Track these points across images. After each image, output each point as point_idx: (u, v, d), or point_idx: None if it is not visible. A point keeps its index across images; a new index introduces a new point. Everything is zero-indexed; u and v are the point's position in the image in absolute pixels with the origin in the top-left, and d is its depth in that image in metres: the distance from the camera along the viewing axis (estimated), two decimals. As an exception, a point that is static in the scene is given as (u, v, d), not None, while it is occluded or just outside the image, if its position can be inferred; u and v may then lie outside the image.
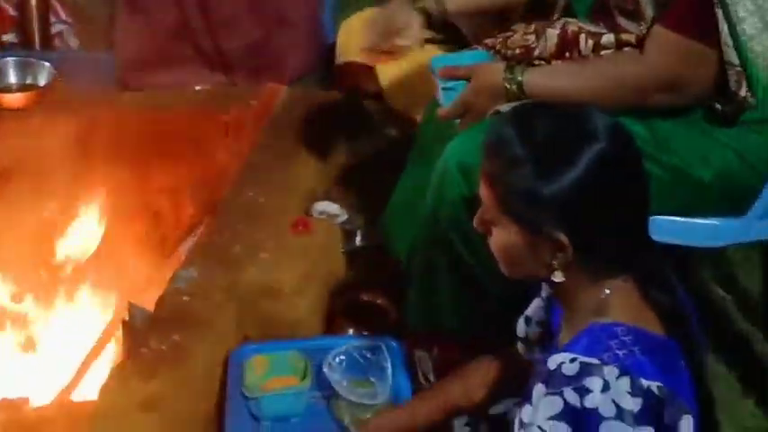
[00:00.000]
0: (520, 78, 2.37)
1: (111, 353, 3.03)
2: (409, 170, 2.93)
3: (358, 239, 3.13)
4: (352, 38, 3.70)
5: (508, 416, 2.26)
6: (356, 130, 3.61)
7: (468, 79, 2.46)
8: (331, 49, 3.93)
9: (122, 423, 2.35)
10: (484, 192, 1.88)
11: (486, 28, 3.22)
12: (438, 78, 2.47)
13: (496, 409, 2.30)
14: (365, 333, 2.76)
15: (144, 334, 2.59)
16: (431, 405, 2.30)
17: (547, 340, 2.07)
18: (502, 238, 1.87)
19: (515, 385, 2.04)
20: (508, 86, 2.38)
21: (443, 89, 2.47)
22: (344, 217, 3.17)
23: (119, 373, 2.49)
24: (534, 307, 2.12)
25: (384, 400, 2.49)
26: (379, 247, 3.03)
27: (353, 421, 2.46)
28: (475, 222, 1.95)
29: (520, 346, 2.12)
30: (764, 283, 3.00)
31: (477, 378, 2.24)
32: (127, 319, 2.78)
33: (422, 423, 2.30)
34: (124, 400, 2.39)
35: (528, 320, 2.13)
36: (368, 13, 3.65)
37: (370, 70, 3.67)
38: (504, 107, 2.29)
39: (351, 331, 2.79)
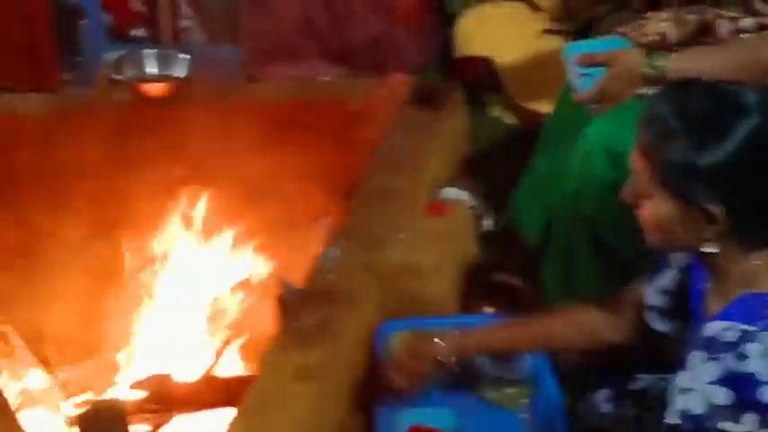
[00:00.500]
0: (661, 64, 2.37)
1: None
2: (539, 156, 2.97)
3: (486, 223, 3.16)
4: (475, 31, 3.77)
5: (649, 392, 2.31)
6: (476, 120, 3.64)
7: (605, 65, 2.46)
8: (449, 42, 3.96)
9: (282, 391, 2.37)
10: (638, 164, 1.90)
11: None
12: (575, 65, 2.48)
13: (637, 385, 2.35)
14: (501, 311, 2.78)
15: (296, 309, 2.63)
16: (529, 332, 2.36)
17: (679, 311, 2.07)
18: (655, 209, 1.89)
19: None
20: (648, 71, 2.38)
21: (581, 75, 2.48)
22: (472, 202, 3.18)
23: (276, 344, 2.52)
24: (668, 278, 2.12)
25: (525, 376, 2.48)
26: (506, 231, 3.08)
27: (495, 396, 2.46)
28: (625, 195, 1.97)
29: (649, 315, 2.14)
30: None
31: (586, 320, 2.29)
32: (279, 295, 2.75)
33: (518, 347, 2.38)
34: (283, 369, 2.42)
35: (662, 291, 2.13)
36: (488, 7, 3.80)
37: (489, 62, 3.70)
38: (643, 91, 2.30)
39: (489, 309, 2.82)
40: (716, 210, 1.81)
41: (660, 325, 2.12)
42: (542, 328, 2.36)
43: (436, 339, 2.35)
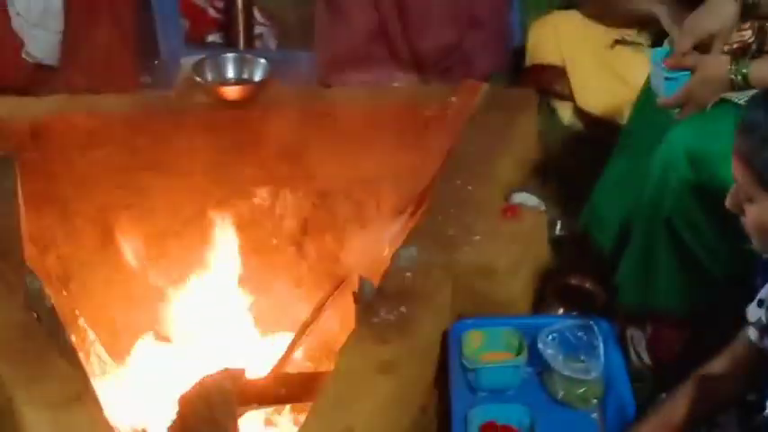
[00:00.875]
0: (745, 70, 2.38)
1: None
2: (616, 161, 2.96)
3: (558, 229, 3.17)
4: (548, 38, 3.75)
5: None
6: (548, 127, 3.63)
7: (692, 70, 2.47)
8: (518, 50, 3.96)
9: (362, 383, 2.40)
10: (738, 171, 1.91)
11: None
12: (662, 69, 2.50)
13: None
14: (575, 313, 2.77)
15: (373, 305, 2.65)
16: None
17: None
18: (759, 214, 1.91)
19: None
20: (734, 77, 2.39)
21: (666, 79, 2.50)
22: (542, 208, 3.16)
23: (355, 339, 2.54)
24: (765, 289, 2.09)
25: (597, 376, 2.48)
26: (577, 236, 3.06)
27: (568, 395, 2.48)
28: (728, 202, 1.98)
29: (752, 331, 2.11)
30: None
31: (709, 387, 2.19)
32: (356, 291, 2.83)
33: None
34: (362, 362, 2.45)
35: (762, 303, 2.10)
36: (560, 16, 3.78)
37: (560, 72, 3.70)
38: (729, 96, 2.33)
39: (560, 311, 2.83)
40: None
41: (764, 341, 2.07)
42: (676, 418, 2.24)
43: None
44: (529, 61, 3.83)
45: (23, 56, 3.79)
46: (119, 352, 3.43)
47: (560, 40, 3.72)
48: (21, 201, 3.12)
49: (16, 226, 3.02)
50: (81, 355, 2.92)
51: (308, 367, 3.20)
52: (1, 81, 3.74)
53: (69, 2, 3.74)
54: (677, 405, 2.24)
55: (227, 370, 2.74)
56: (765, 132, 1.85)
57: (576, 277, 2.88)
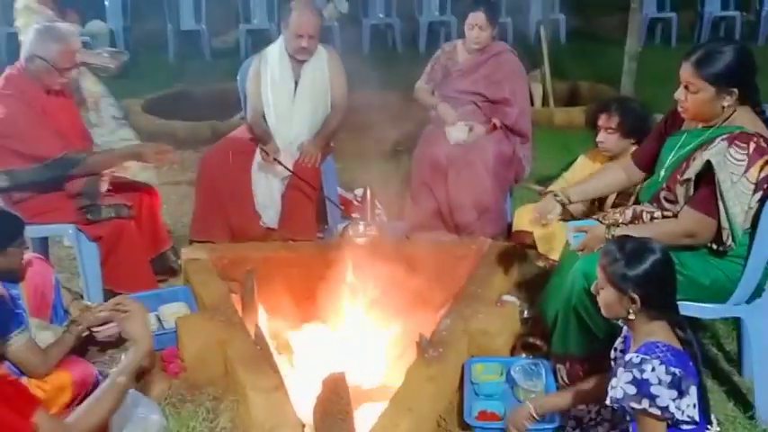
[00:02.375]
0: (614, 233, 2.46)
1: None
2: (553, 277, 2.96)
3: (525, 313, 3.12)
4: (522, 218, 3.72)
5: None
6: (522, 263, 3.56)
7: (586, 232, 2.54)
8: (509, 224, 3.90)
9: (418, 386, 2.50)
10: (599, 274, 2.04)
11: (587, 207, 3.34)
12: (572, 232, 2.58)
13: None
14: (531, 357, 2.77)
15: (426, 347, 2.70)
16: (577, 395, 2.27)
17: (622, 356, 2.08)
18: (605, 296, 2.05)
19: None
20: (608, 236, 2.46)
21: (575, 236, 2.56)
22: (517, 302, 3.19)
23: (416, 363, 2.62)
24: (618, 341, 2.18)
25: (541, 389, 2.54)
26: (535, 317, 3.02)
27: (526, 398, 2.50)
28: (593, 288, 2.10)
29: (612, 362, 2.17)
30: (737, 338, 2.89)
31: (599, 383, 2.18)
32: (418, 341, 2.81)
33: (571, 405, 2.28)
34: (418, 375, 2.54)
35: (615, 349, 2.18)
36: (530, 206, 3.66)
37: (529, 234, 3.66)
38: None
39: (524, 355, 2.82)
40: (634, 296, 1.96)
41: (614, 366, 2.08)
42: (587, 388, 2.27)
43: (528, 403, 2.32)
44: (514, 229, 3.79)
45: (261, 224, 3.73)
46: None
47: (527, 217, 3.62)
48: (256, 290, 3.14)
49: (254, 299, 3.09)
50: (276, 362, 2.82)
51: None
52: (249, 237, 3.70)
53: (285, 196, 3.70)
54: (577, 388, 2.30)
55: (330, 374, 2.44)
56: (613, 256, 2.01)
57: (533, 338, 2.86)
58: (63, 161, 3.09)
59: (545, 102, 6.43)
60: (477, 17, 3.87)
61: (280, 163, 3.62)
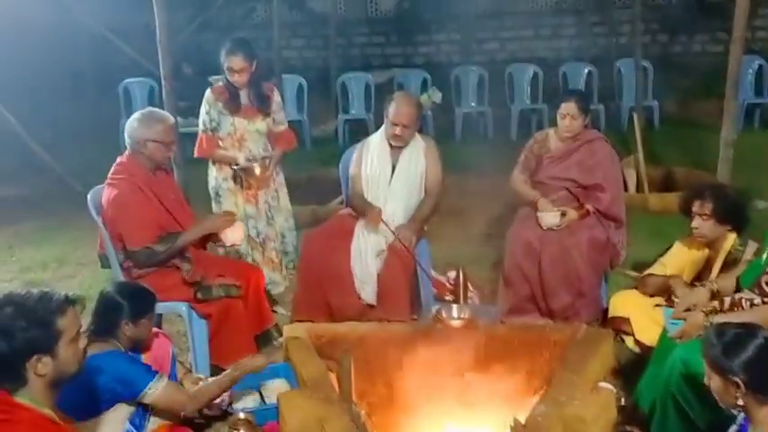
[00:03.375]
0: (713, 320, 2.47)
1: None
2: (650, 365, 2.93)
3: (622, 401, 3.06)
4: (619, 304, 3.68)
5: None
6: (618, 350, 3.55)
7: (685, 321, 2.55)
8: (605, 310, 3.86)
9: None
10: (705, 363, 2.04)
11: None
12: (670, 319, 2.61)
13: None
14: None
15: (522, 428, 2.74)
16: None
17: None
18: (713, 385, 2.03)
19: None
20: (707, 324, 2.46)
21: (672, 323, 2.58)
22: (614, 390, 3.13)
23: None
24: (732, 429, 2.13)
25: None
26: (631, 405, 2.98)
27: None
28: (705, 380, 2.08)
29: None
30: None
31: None
32: (512, 426, 2.76)
33: None
34: None
35: None
36: (626, 292, 3.71)
37: (626, 320, 3.61)
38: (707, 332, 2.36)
39: None
40: (738, 382, 1.94)
41: None
42: None
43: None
44: (610, 314, 3.74)
45: (359, 301, 3.78)
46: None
47: (627, 304, 3.65)
48: (352, 370, 3.16)
49: (350, 379, 3.12)
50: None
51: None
52: (346, 316, 3.77)
53: (381, 275, 3.77)
54: None
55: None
56: (714, 346, 2.00)
57: (630, 427, 2.83)
58: (165, 240, 3.34)
59: (639, 188, 6.37)
60: (568, 107, 3.97)
61: (384, 223, 3.75)
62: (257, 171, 3.95)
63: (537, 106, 9.06)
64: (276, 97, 4.16)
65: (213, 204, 4.19)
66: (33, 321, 1.92)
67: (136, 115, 3.47)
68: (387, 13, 12.40)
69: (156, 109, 3.65)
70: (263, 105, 4.08)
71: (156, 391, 2.55)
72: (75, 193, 6.16)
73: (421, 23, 11.74)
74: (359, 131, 8.86)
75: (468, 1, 11.37)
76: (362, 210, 3.89)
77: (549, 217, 3.86)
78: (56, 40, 9.04)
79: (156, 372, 2.61)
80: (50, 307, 1.96)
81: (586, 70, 9.09)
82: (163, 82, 5.01)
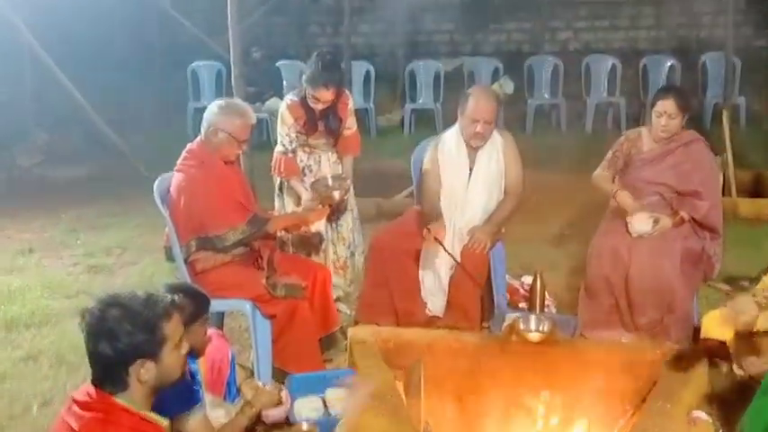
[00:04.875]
0: None
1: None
2: (759, 396, 2.65)
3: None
4: (713, 324, 3.24)
5: None
6: (712, 374, 3.30)
7: None
8: (696, 328, 3.50)
9: None
10: None
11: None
12: None
13: None
14: None
15: None
16: None
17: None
18: None
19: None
20: None
21: None
22: (710, 420, 2.95)
23: None
24: None
25: None
26: None
27: None
28: None
29: None
30: None
31: None
32: None
33: None
34: None
35: None
36: (724, 311, 3.31)
37: (722, 343, 3.19)
38: None
39: None
40: None
41: None
42: None
43: None
44: (703, 334, 3.30)
45: (426, 311, 3.69)
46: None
47: (723, 325, 3.20)
48: (423, 381, 3.11)
49: (420, 392, 3.05)
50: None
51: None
52: (412, 322, 3.66)
53: (452, 282, 3.63)
54: None
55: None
56: None
57: None
58: (253, 221, 3.25)
59: (726, 191, 5.97)
60: (666, 104, 3.69)
61: (440, 244, 3.55)
62: (336, 196, 3.72)
63: (614, 99, 8.74)
64: (350, 105, 3.97)
65: (276, 200, 4.04)
66: (139, 325, 1.88)
67: (219, 101, 3.37)
68: (456, -1, 12.18)
69: (241, 102, 3.53)
70: (336, 129, 3.91)
71: (191, 421, 2.39)
72: (141, 176, 6.15)
73: (491, 10, 11.50)
74: (426, 122, 8.74)
75: (540, -12, 11.09)
76: (429, 215, 3.69)
77: (640, 223, 3.61)
78: (124, 14, 9.05)
79: (200, 399, 2.44)
80: (157, 311, 1.92)
81: (668, 63, 8.69)
82: (232, 67, 4.89)
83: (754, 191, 6.19)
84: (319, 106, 3.78)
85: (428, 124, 8.56)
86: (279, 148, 3.91)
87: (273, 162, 3.93)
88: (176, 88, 9.00)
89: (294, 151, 3.90)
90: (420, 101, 9.03)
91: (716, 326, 3.30)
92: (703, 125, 8.21)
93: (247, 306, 3.26)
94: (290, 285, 3.25)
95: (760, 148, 7.20)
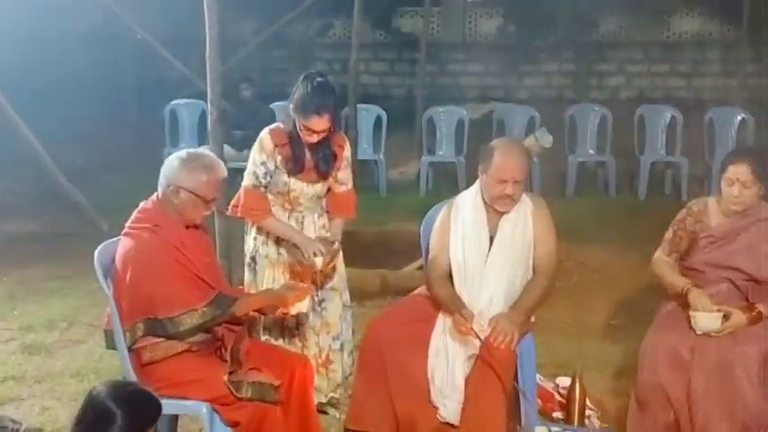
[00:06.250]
0: None
1: None
2: None
3: None
4: None
5: None
6: None
7: None
8: None
9: None
10: None
11: None
12: None
13: None
14: None
15: None
16: None
17: None
18: None
19: None
20: None
21: None
22: None
23: None
24: None
25: None
26: None
27: None
28: None
29: None
30: None
31: None
32: None
33: None
34: None
35: None
36: None
37: None
38: None
39: None
40: None
41: None
42: None
43: None
44: None
45: (437, 417, 3.44)
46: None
47: None
48: None
49: None
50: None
51: None
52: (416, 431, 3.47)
53: (470, 383, 3.43)
54: None
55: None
56: None
57: None
58: (217, 302, 3.10)
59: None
60: (739, 170, 3.56)
61: (478, 337, 3.38)
62: (319, 264, 3.61)
63: (673, 159, 8.64)
64: (346, 151, 3.87)
65: (246, 272, 3.90)
66: None
67: (181, 153, 3.26)
68: (487, 36, 12.32)
69: (208, 154, 3.42)
70: (328, 169, 3.79)
71: None
72: (100, 233, 6.13)
73: (528, 50, 11.56)
74: (446, 178, 8.69)
75: (587, 25, 11.18)
76: (447, 307, 3.57)
77: (707, 319, 3.46)
78: (100, 49, 9.17)
79: None
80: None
81: (739, 117, 8.57)
82: (209, 107, 4.89)
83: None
84: (313, 138, 3.66)
85: (449, 181, 8.54)
86: (247, 181, 3.75)
87: (236, 199, 3.77)
88: (155, 131, 9.03)
89: (267, 187, 3.75)
90: (440, 153, 8.99)
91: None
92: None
93: (204, 409, 3.09)
94: (259, 384, 3.07)
95: None
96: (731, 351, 3.40)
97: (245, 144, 7.78)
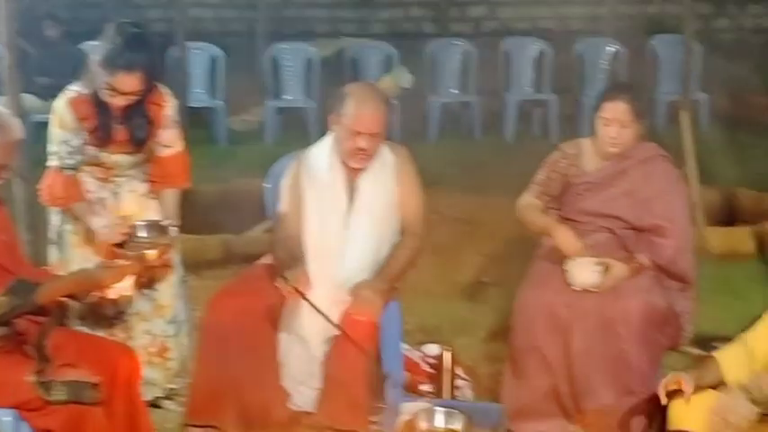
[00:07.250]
0: None
1: None
2: None
3: None
4: (683, 411, 3.19)
5: None
6: None
7: None
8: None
9: None
10: None
11: None
12: None
13: None
14: None
15: None
16: None
17: None
18: None
19: None
20: None
21: None
22: None
23: None
24: None
25: None
26: None
27: None
28: None
29: None
30: None
31: None
32: None
33: None
34: None
35: None
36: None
37: None
38: None
39: None
40: None
41: None
42: None
43: None
44: (671, 426, 3.22)
45: (289, 405, 3.54)
46: None
47: (695, 412, 3.18)
48: None
49: None
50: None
51: None
52: (267, 423, 3.53)
53: (327, 364, 3.51)
54: None
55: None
56: None
57: None
58: (17, 289, 2.95)
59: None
60: (617, 108, 3.64)
61: (304, 298, 3.41)
62: (150, 256, 3.44)
63: (542, 96, 8.85)
64: (167, 110, 3.70)
65: (52, 250, 3.75)
66: None
67: None
68: (336, -37, 12.26)
69: (8, 113, 3.23)
70: (143, 134, 3.63)
71: None
72: None
73: (383, -22, 11.64)
74: (295, 125, 8.58)
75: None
76: (283, 262, 3.57)
77: (584, 272, 3.58)
78: None
79: None
80: None
81: (611, 49, 8.87)
82: (1, 49, 4.57)
83: (727, 217, 6.29)
84: (118, 101, 3.48)
85: (298, 129, 8.46)
86: (52, 162, 3.59)
87: (43, 184, 3.62)
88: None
89: (75, 169, 3.59)
90: (287, 96, 8.92)
91: (687, 415, 3.22)
92: (654, 130, 8.37)
93: (8, 418, 2.94)
94: (73, 383, 2.93)
95: (729, 159, 7.38)
96: (612, 307, 3.53)
97: (52, 92, 7.47)
